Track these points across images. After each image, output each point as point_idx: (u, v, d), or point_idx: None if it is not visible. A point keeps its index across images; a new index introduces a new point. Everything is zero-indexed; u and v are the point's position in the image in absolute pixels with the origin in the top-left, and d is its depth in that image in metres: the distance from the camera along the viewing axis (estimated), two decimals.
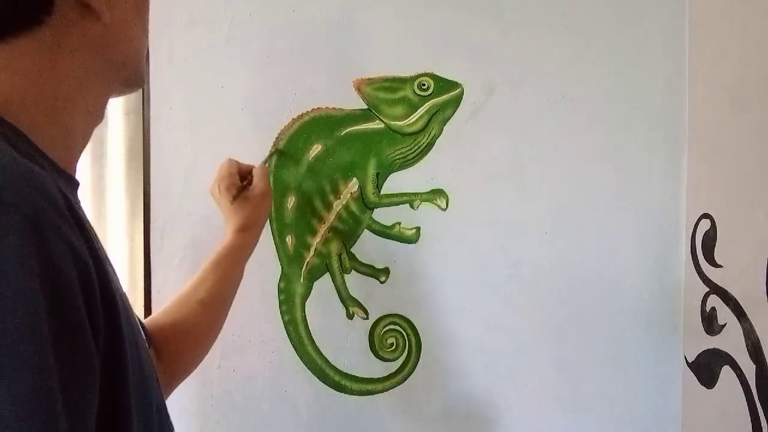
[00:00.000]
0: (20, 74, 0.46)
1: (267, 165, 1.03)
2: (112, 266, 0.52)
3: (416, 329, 1.12)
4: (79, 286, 0.39)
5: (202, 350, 0.91)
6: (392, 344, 1.12)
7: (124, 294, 0.54)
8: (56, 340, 0.36)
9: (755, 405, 0.92)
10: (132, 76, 0.58)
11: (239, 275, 0.94)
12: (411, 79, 1.10)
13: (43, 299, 0.36)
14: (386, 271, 1.12)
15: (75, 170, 0.53)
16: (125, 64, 0.55)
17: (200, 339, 0.89)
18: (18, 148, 0.43)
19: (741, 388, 0.95)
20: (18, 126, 0.45)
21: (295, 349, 1.11)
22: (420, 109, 1.10)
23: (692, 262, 1.09)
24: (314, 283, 1.12)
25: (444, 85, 1.10)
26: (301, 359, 1.11)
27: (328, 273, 1.12)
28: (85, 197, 0.97)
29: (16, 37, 0.46)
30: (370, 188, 1.11)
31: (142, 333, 0.57)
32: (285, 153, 1.08)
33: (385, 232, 1.12)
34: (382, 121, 1.10)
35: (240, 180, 0.97)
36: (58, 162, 0.49)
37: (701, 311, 1.06)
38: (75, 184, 0.52)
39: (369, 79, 1.09)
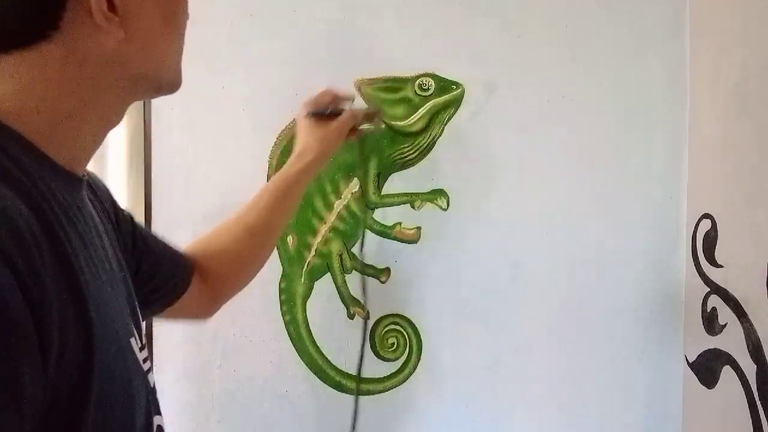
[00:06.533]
0: (25, 85, 0.47)
1: (362, 113, 0.98)
2: (103, 271, 0.51)
3: (417, 329, 1.12)
4: (26, 309, 0.39)
5: (247, 276, 0.90)
6: (393, 344, 1.12)
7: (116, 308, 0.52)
8: None
9: (756, 405, 0.92)
10: (157, 84, 0.56)
11: (290, 206, 0.92)
12: (412, 79, 1.10)
13: None
14: (387, 271, 1.12)
15: (83, 169, 0.53)
16: (146, 76, 0.53)
17: (245, 265, 0.88)
18: (7, 151, 0.44)
19: (742, 388, 0.95)
20: (22, 131, 0.46)
21: (296, 348, 1.11)
22: (421, 109, 1.10)
23: (693, 262, 1.09)
24: (315, 283, 1.12)
25: (445, 85, 1.10)
26: (302, 359, 1.12)
27: (328, 273, 1.12)
28: None
29: (23, 49, 0.46)
30: (370, 188, 1.11)
31: (134, 339, 0.54)
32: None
33: (385, 232, 1.12)
34: (383, 122, 1.10)
35: (328, 108, 0.94)
36: (62, 164, 0.50)
37: (702, 311, 1.06)
38: (77, 184, 0.53)
39: (370, 79, 1.09)
